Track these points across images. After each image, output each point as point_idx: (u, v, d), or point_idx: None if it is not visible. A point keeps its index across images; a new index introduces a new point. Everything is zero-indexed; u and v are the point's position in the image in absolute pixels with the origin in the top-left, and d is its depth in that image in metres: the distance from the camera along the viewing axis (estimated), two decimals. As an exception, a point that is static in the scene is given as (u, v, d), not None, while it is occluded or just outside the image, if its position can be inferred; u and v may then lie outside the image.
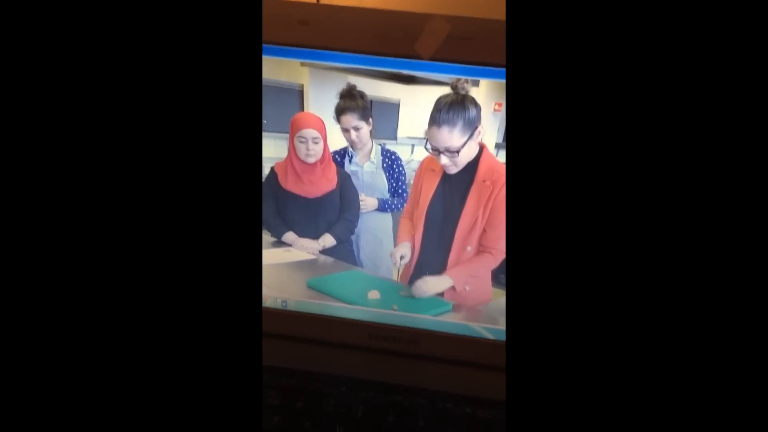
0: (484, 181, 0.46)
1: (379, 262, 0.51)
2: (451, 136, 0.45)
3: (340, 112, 0.46)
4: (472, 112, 0.44)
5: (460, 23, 0.40)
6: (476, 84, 0.43)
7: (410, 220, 0.49)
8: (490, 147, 0.46)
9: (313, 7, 0.43)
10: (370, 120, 0.46)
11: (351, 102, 0.45)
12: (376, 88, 0.44)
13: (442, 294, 0.49)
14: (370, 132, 0.47)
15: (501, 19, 0.34)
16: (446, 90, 0.43)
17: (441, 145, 0.45)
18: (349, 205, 0.49)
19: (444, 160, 0.46)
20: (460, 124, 0.44)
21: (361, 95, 0.45)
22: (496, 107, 0.44)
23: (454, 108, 0.44)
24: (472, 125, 0.44)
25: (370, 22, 0.41)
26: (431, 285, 0.48)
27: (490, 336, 0.49)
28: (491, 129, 0.45)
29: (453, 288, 0.49)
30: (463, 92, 0.43)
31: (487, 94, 0.43)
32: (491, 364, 0.49)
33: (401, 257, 0.49)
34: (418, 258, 0.49)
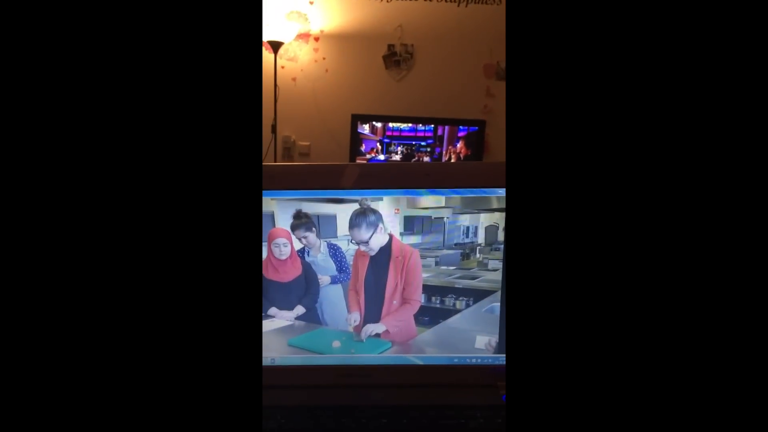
0: (397, 256, 0.63)
1: (337, 319, 0.65)
2: (360, 232, 0.62)
3: (293, 228, 0.70)
4: (371, 217, 0.66)
5: (367, 168, 0.67)
6: (381, 199, 0.69)
7: (355, 291, 0.64)
8: (396, 235, 0.63)
9: (277, 167, 0.69)
10: (313, 229, 0.67)
11: (298, 221, 0.66)
12: (320, 208, 0.69)
13: (379, 335, 0.64)
14: (316, 235, 0.70)
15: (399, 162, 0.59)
16: (357, 206, 0.63)
17: (356, 239, 0.63)
18: (312, 283, 0.65)
19: (363, 247, 0.63)
20: (364, 225, 0.66)
21: (306, 215, 0.65)
22: (395, 211, 0.69)
23: (360, 216, 0.65)
24: (374, 225, 0.62)
25: (313, 171, 0.68)
26: (371, 330, 0.64)
27: (419, 362, 0.63)
28: (395, 224, 0.63)
29: (387, 331, 0.63)
30: (365, 206, 0.61)
31: (389, 204, 0.68)
32: (421, 383, 0.62)
33: (354, 320, 0.64)
34: (363, 315, 0.64)
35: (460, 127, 2.91)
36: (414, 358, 0.64)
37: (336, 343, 0.64)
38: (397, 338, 0.64)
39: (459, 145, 2.93)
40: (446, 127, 2.87)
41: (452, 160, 2.71)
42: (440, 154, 2.92)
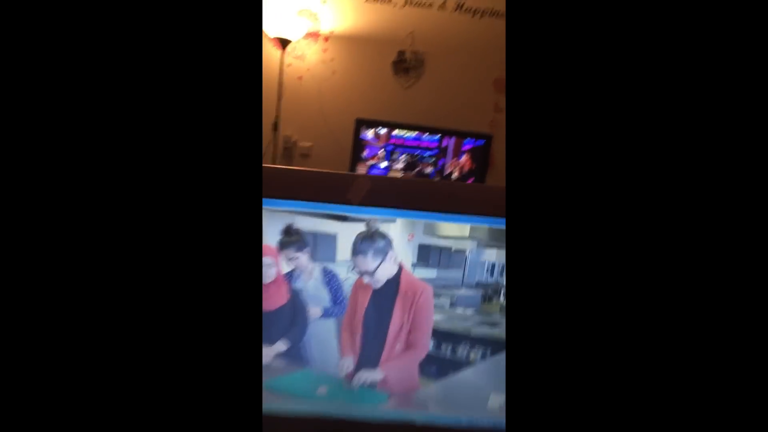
0: (406, 292, 0.55)
1: (326, 361, 0.57)
2: (365, 260, 0.56)
3: (281, 246, 0.58)
4: (380, 242, 0.56)
5: (380, 182, 0.55)
6: (393, 221, 0.57)
7: (350, 330, 0.57)
8: (407, 266, 0.55)
9: (270, 170, 0.56)
10: (306, 250, 0.57)
11: (288, 238, 0.56)
12: (318, 225, 0.57)
13: (375, 385, 0.57)
14: (310, 257, 0.58)
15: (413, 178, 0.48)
16: (363, 227, 0.56)
17: (360, 268, 0.57)
18: (299, 315, 0.59)
19: (366, 279, 0.55)
20: (371, 252, 0.56)
21: (298, 233, 0.56)
22: (409, 237, 0.57)
23: (366, 241, 0.56)
24: (382, 252, 0.57)
25: (314, 178, 0.56)
26: (365, 377, 0.56)
27: (420, 420, 0.57)
28: (407, 253, 0.56)
29: (385, 380, 0.56)
30: (373, 228, 0.56)
31: (402, 228, 0.57)
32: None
33: (346, 367, 0.57)
34: (358, 358, 0.56)
35: (466, 140, 2.83)
36: (414, 415, 0.56)
37: (322, 390, 0.57)
38: (395, 389, 0.57)
39: (463, 158, 2.85)
40: (452, 139, 2.79)
41: (455, 174, 2.62)
42: (444, 165, 2.84)
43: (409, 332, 0.56)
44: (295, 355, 0.58)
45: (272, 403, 0.56)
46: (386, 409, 0.57)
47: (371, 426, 0.56)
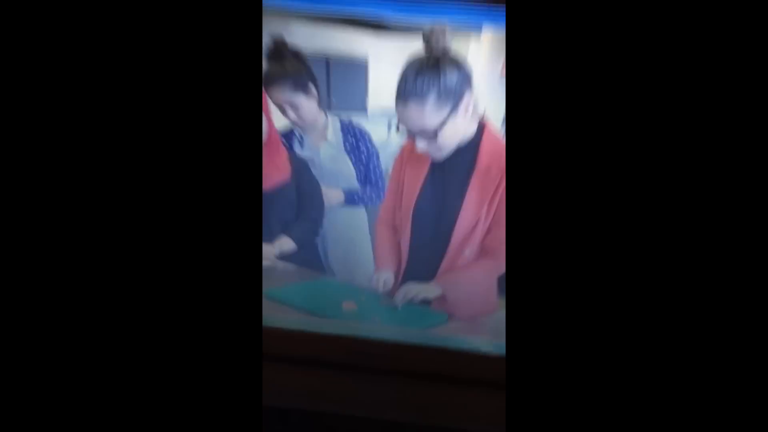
0: (488, 168, 0.37)
1: (354, 267, 0.44)
2: (422, 112, 0.34)
3: (268, 82, 0.34)
4: (452, 77, 0.33)
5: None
6: (475, 35, 0.30)
7: (390, 228, 0.41)
8: (495, 123, 0.36)
9: None
10: (312, 88, 0.36)
11: (278, 67, 0.33)
12: (332, 39, 0.32)
13: (429, 302, 0.43)
14: (319, 104, 0.36)
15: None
16: (421, 46, 0.33)
17: (412, 125, 0.35)
18: (309, 201, 0.40)
19: (421, 144, 0.36)
20: (432, 96, 0.34)
21: (295, 54, 0.34)
22: (502, 71, 0.33)
23: (424, 73, 0.33)
24: (453, 96, 0.34)
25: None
26: (414, 291, 0.42)
27: (495, 352, 0.43)
28: (495, 99, 0.34)
29: (444, 297, 0.42)
30: (437, 49, 0.32)
31: (491, 51, 0.31)
32: (491, 380, 0.44)
33: (384, 281, 0.42)
34: (405, 267, 0.42)
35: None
36: (486, 345, 0.44)
37: (349, 305, 0.44)
38: (461, 310, 0.44)
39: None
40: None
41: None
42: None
43: (488, 231, 0.40)
44: (307, 257, 0.43)
45: (280, 317, 0.43)
46: (446, 335, 0.44)
47: (422, 353, 0.43)
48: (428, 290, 0.43)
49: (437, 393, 0.45)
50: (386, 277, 0.42)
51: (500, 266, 0.42)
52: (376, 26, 0.32)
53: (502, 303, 0.45)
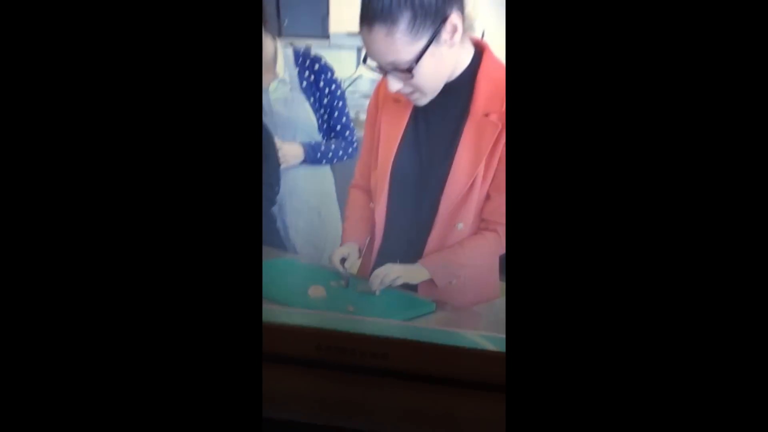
0: (486, 114, 0.30)
1: (320, 243, 0.38)
2: (392, 39, 0.28)
3: None
4: None
5: None
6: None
7: (364, 193, 0.35)
8: (499, 49, 0.29)
9: None
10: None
11: None
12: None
13: (415, 289, 0.39)
14: (264, 28, 0.29)
15: None
16: None
17: (380, 59, 0.29)
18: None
19: (394, 83, 0.29)
20: (405, 17, 0.27)
21: None
22: None
23: None
24: (433, 15, 0.27)
25: None
26: (394, 274, 0.37)
27: (492, 347, 0.39)
28: (498, 13, 0.26)
29: (432, 281, 0.38)
30: None
31: None
32: (491, 383, 0.39)
33: (342, 260, 0.36)
34: (381, 242, 0.38)
35: None
36: (481, 339, 0.39)
37: (317, 291, 0.40)
38: (452, 298, 0.40)
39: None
40: None
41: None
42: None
43: (487, 198, 0.36)
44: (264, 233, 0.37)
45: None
46: (433, 328, 0.40)
47: (403, 348, 0.39)
48: (411, 273, 0.38)
49: (422, 396, 0.40)
50: (347, 252, 0.36)
51: (502, 243, 0.37)
52: None
53: (504, 288, 0.41)
